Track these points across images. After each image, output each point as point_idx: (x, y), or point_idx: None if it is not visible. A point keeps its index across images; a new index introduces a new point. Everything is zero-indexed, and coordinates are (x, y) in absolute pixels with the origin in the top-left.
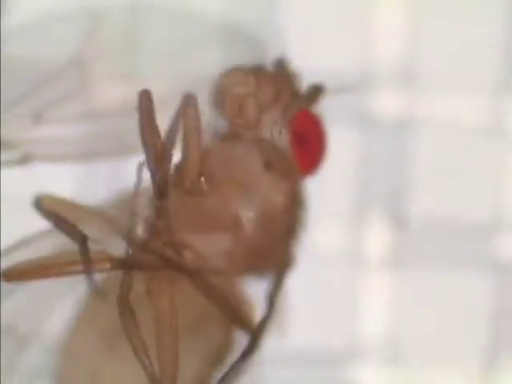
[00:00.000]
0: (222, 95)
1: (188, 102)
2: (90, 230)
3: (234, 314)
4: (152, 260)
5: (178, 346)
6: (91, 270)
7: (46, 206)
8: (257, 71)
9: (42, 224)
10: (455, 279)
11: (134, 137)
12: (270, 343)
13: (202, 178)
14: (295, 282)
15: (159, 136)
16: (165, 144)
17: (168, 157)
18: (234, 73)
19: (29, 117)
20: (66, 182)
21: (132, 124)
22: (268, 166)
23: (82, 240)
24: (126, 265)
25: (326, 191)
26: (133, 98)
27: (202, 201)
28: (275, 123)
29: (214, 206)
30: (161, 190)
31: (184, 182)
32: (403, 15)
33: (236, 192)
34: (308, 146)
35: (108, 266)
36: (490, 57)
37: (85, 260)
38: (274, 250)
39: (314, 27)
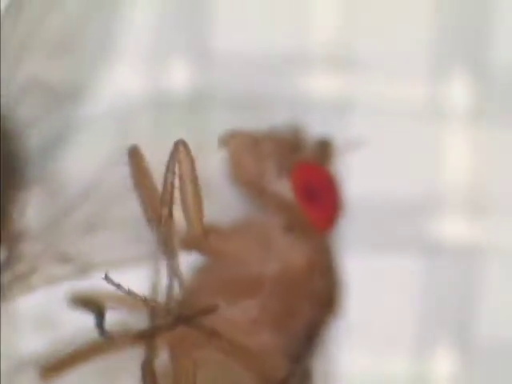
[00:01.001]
0: (225, 159)
1: (179, 150)
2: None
3: (260, 371)
4: (173, 326)
5: None
6: (116, 347)
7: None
8: (257, 132)
9: None
10: None
11: None
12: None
13: (212, 237)
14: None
15: (157, 190)
16: (162, 193)
17: (169, 207)
18: (231, 133)
19: (83, 226)
20: None
21: None
22: (287, 227)
23: (99, 311)
24: (149, 335)
25: None
26: None
27: (222, 265)
28: (278, 175)
29: (235, 269)
30: (169, 250)
31: (191, 238)
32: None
33: (257, 255)
34: (318, 199)
35: (132, 339)
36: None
37: (102, 334)
38: (299, 311)
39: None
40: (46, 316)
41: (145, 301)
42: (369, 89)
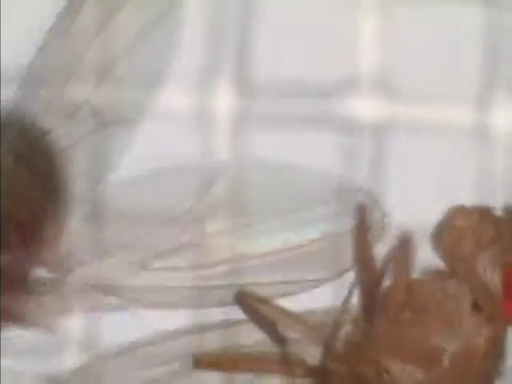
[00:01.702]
0: (442, 227)
1: (405, 242)
2: (290, 333)
3: None
4: (345, 373)
5: None
6: (288, 372)
7: (247, 302)
8: (482, 210)
9: None
10: None
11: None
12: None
13: (407, 310)
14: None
15: (372, 254)
16: (379, 269)
17: (380, 282)
18: (458, 207)
19: (137, 264)
20: None
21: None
22: (476, 307)
23: (282, 342)
24: (319, 373)
25: None
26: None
27: (404, 329)
28: (490, 263)
29: (416, 336)
30: (369, 311)
31: (389, 309)
32: (382, 25)
33: (440, 326)
34: None
35: (302, 371)
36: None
37: (283, 361)
38: None
39: (294, 33)
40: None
41: (327, 341)
42: None
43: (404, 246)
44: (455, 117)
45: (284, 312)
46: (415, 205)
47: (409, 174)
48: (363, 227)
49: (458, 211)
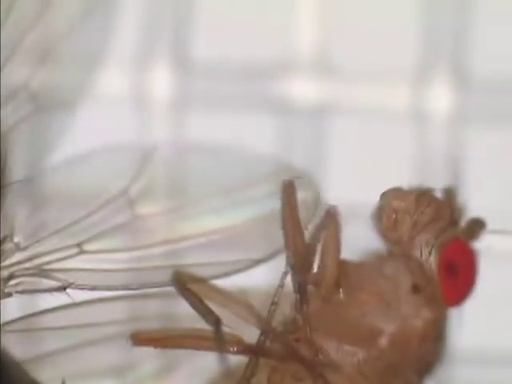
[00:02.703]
0: (380, 209)
1: (330, 215)
2: (226, 313)
3: None
4: (281, 352)
5: None
6: (222, 350)
7: (182, 282)
8: (419, 191)
9: None
10: None
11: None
12: None
13: (341, 289)
14: None
15: (301, 230)
16: (308, 245)
17: (310, 257)
18: (396, 189)
19: (73, 247)
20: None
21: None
22: (415, 289)
23: (216, 323)
24: (254, 351)
25: None
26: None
27: (340, 308)
28: (427, 244)
29: (352, 316)
30: (302, 290)
31: (321, 289)
32: (320, 5)
33: (377, 307)
34: (457, 277)
35: (239, 349)
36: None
37: (217, 341)
38: (401, 372)
39: (231, 14)
40: None
41: (263, 319)
42: None
43: (331, 220)
44: (394, 97)
45: (221, 292)
46: (355, 186)
47: (348, 156)
48: (291, 204)
49: (395, 192)
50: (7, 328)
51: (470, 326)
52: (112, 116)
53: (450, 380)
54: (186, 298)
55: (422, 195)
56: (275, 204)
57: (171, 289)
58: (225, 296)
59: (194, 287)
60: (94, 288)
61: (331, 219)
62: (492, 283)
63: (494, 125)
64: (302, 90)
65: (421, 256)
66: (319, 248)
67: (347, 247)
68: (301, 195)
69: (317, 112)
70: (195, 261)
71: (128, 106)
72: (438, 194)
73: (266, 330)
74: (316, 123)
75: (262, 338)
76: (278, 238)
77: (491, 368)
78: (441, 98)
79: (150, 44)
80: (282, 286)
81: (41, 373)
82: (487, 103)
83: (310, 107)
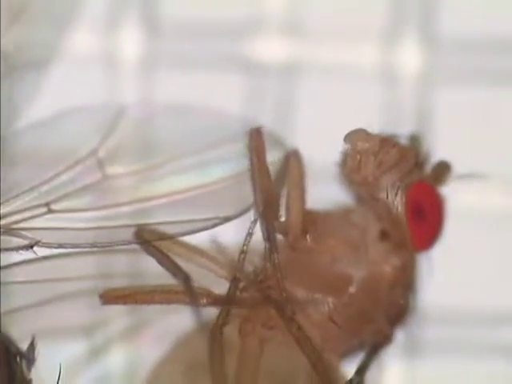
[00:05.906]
0: (344, 153)
1: (293, 157)
2: (194, 266)
3: (323, 371)
4: (252, 300)
5: None
6: (193, 304)
7: (146, 238)
8: (383, 135)
9: None
10: None
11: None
12: None
13: (308, 236)
14: None
15: (269, 177)
16: (275, 192)
17: (277, 204)
18: (359, 130)
19: (41, 206)
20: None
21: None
22: (383, 235)
23: (185, 279)
24: (225, 301)
25: None
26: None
27: (309, 256)
28: (393, 186)
29: (321, 264)
30: (271, 239)
31: (289, 237)
32: None
33: (346, 253)
34: (425, 219)
35: (209, 301)
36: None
37: (188, 294)
38: (372, 319)
39: None
40: None
41: (233, 267)
42: None
43: (293, 165)
44: (364, 56)
45: (187, 246)
46: (324, 145)
47: (317, 115)
48: (258, 150)
49: (359, 134)
50: None
51: (441, 284)
52: (82, 76)
53: (420, 336)
54: (153, 255)
55: (387, 138)
56: (244, 163)
57: (138, 247)
58: (191, 249)
59: (160, 244)
60: (61, 246)
61: (293, 164)
62: (464, 242)
63: (463, 84)
64: (272, 49)
65: (387, 198)
66: (284, 194)
67: (317, 205)
68: (269, 155)
69: (286, 71)
70: (163, 219)
71: (98, 66)
72: (404, 141)
73: (237, 276)
74: (285, 82)
75: (232, 288)
76: (247, 197)
77: (462, 327)
78: (410, 57)
79: (120, 4)
80: (250, 234)
81: (10, 328)
82: (455, 62)
83: (279, 66)
